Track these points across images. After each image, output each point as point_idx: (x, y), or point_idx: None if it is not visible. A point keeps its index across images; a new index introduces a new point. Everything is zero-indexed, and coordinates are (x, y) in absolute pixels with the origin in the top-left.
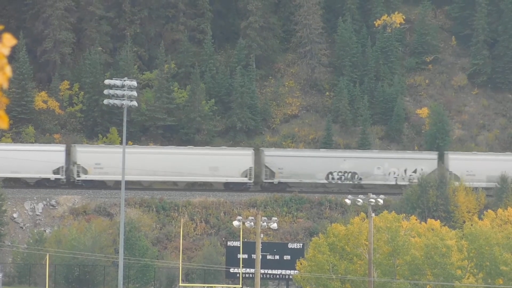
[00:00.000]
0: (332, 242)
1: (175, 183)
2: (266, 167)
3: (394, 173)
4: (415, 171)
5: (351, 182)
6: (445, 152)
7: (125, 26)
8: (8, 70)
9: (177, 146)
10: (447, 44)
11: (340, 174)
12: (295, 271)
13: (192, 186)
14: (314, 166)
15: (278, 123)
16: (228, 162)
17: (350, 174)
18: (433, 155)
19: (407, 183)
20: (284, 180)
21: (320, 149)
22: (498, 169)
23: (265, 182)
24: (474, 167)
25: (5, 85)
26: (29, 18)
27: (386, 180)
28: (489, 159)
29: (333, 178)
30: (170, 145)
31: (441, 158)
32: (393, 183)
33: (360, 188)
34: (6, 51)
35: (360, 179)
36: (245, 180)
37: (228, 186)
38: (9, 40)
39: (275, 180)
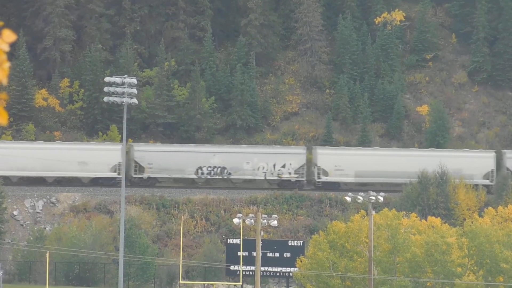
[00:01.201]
0: (332, 239)
1: (43, 178)
2: (136, 162)
3: (263, 168)
4: (284, 166)
5: (220, 177)
6: (313, 146)
7: (125, 24)
8: (6, 66)
9: (45, 141)
10: (447, 42)
11: (209, 169)
12: (295, 269)
13: (60, 182)
14: (183, 161)
15: (278, 120)
16: (97, 157)
17: (219, 169)
18: (302, 150)
19: (276, 177)
20: (153, 175)
21: (190, 144)
22: (367, 164)
23: (135, 177)
24: (342, 162)
25: (4, 81)
26: (30, 15)
27: (255, 175)
28: (358, 154)
29: (202, 173)
30: (171, 142)
31: (310, 153)
32: (262, 178)
33: (230, 183)
34: (5, 47)
35: (230, 174)
36: (114, 175)
37: (97, 181)
38: (9, 36)
39: (145, 175)
